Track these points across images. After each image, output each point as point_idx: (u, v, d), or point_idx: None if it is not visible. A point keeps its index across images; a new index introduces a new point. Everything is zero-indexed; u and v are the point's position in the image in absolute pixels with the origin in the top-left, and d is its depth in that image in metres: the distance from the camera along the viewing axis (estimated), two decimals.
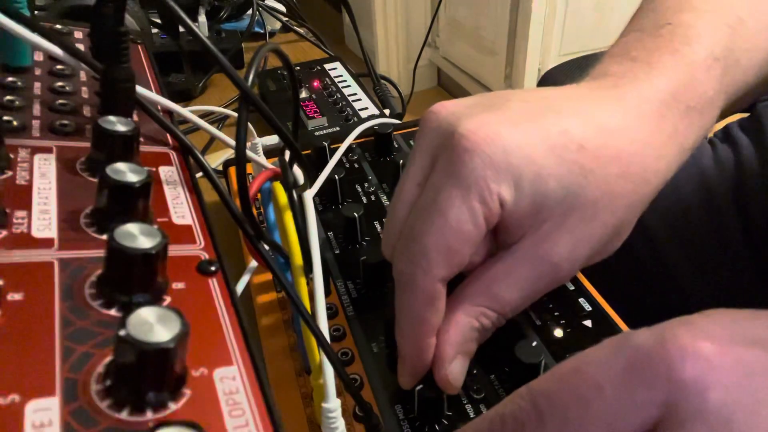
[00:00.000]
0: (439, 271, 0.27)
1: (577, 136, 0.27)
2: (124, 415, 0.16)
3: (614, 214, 0.28)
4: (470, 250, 0.27)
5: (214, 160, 0.57)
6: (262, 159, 0.38)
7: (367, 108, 0.61)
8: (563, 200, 0.27)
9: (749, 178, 0.55)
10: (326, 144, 0.46)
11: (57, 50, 0.28)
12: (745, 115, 0.61)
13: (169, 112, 0.32)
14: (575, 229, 0.27)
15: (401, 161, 0.44)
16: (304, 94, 0.61)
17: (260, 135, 0.49)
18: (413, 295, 0.27)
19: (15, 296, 0.18)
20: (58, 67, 0.33)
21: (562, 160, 0.27)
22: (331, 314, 0.35)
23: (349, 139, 0.43)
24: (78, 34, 0.38)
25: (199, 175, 0.29)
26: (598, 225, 0.28)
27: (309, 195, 0.30)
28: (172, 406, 0.17)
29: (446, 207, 0.26)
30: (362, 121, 0.57)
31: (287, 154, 0.30)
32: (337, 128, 0.56)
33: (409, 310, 0.28)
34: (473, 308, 0.28)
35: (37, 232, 0.21)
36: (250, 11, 0.81)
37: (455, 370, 0.28)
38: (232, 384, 0.18)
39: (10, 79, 0.30)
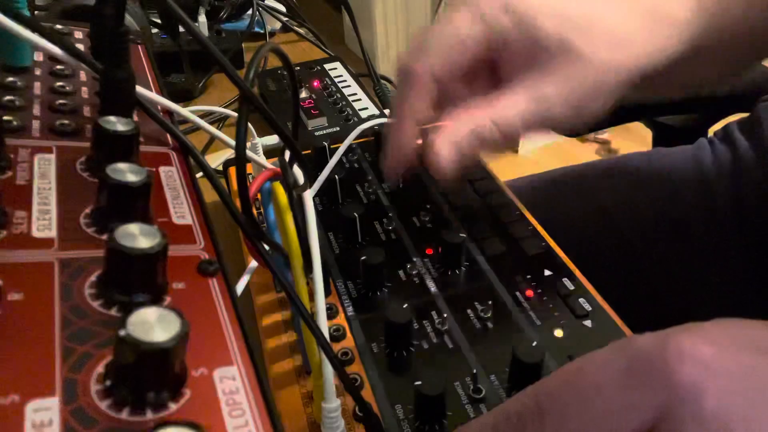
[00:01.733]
0: (435, 62, 0.32)
1: (573, 3, 0.33)
2: (124, 415, 0.16)
3: (598, 71, 0.33)
4: (464, 58, 0.33)
5: (214, 160, 0.57)
6: (262, 159, 0.38)
7: (367, 108, 0.61)
8: (557, 45, 0.32)
9: (746, 173, 0.56)
10: (326, 144, 0.46)
11: (57, 50, 0.28)
12: (745, 115, 0.62)
13: (169, 112, 0.32)
14: (564, 73, 0.32)
15: None
16: (304, 94, 0.61)
17: (260, 135, 0.49)
18: (407, 82, 0.33)
19: (15, 296, 0.18)
20: (58, 67, 0.33)
21: (557, 13, 0.33)
22: (331, 314, 0.35)
23: (350, 139, 0.43)
24: (78, 34, 0.38)
25: (199, 175, 0.29)
26: (584, 75, 0.33)
27: (309, 195, 0.30)
28: (172, 406, 0.17)
29: (454, 17, 0.33)
30: (362, 121, 0.57)
31: (287, 154, 0.30)
32: (337, 128, 0.56)
33: (400, 96, 0.33)
34: (477, 115, 0.32)
35: (37, 232, 0.21)
36: (250, 11, 0.81)
37: (443, 153, 0.32)
38: (232, 384, 0.18)
39: (10, 79, 0.30)
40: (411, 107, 0.33)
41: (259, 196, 0.33)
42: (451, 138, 0.32)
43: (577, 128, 0.34)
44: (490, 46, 0.33)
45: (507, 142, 0.33)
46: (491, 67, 0.35)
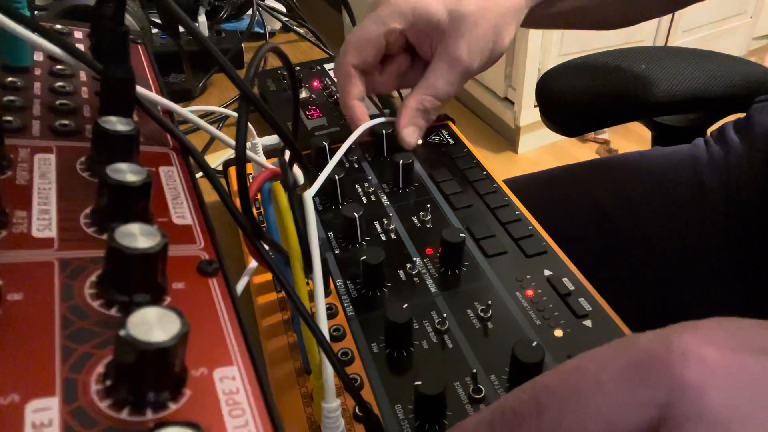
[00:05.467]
0: (352, 59, 0.46)
1: None
2: (124, 415, 0.16)
3: (489, 21, 0.44)
4: (372, 51, 0.46)
5: (214, 160, 0.57)
6: (262, 159, 0.38)
7: (367, 108, 0.61)
8: (450, 18, 0.44)
9: (736, 172, 0.57)
10: (326, 144, 0.46)
11: (57, 50, 0.27)
12: (741, 115, 0.63)
13: (169, 112, 0.32)
14: (465, 34, 0.44)
15: (401, 161, 0.44)
16: (304, 94, 0.61)
17: (260, 135, 0.49)
18: (339, 73, 0.47)
19: (15, 296, 0.18)
20: (58, 67, 0.33)
21: None
22: (331, 314, 0.35)
23: (351, 139, 0.43)
24: (78, 34, 0.38)
25: (199, 175, 0.29)
26: (480, 29, 0.44)
27: (309, 195, 0.30)
28: (172, 406, 0.17)
29: (365, 24, 0.46)
30: None
31: (287, 154, 0.30)
32: (337, 128, 0.56)
33: (338, 82, 0.47)
34: (418, 96, 0.46)
35: (37, 232, 0.21)
36: (250, 11, 0.81)
37: (408, 132, 0.46)
38: (232, 384, 0.18)
39: (10, 79, 0.30)
40: (349, 92, 0.47)
41: (259, 196, 0.33)
42: (407, 122, 0.46)
43: (491, 65, 0.47)
44: (390, 40, 0.46)
45: (446, 102, 0.47)
46: (412, 53, 0.48)
